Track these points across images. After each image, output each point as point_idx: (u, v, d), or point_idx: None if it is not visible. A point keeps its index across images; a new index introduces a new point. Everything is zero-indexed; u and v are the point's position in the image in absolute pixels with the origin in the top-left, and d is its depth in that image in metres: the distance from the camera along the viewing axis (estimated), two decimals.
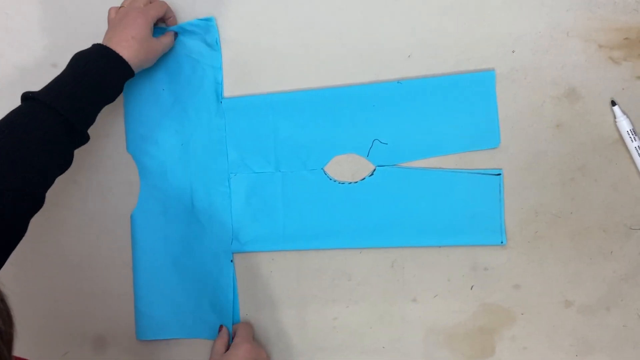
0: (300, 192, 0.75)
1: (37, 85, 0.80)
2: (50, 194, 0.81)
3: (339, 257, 0.75)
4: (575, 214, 0.70)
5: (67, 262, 0.82)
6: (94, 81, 0.66)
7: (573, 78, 0.69)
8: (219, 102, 0.76)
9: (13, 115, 0.64)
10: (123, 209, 0.80)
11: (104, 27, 0.79)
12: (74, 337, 0.81)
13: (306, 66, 0.74)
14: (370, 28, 0.73)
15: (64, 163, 0.67)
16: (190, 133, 0.77)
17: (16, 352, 0.46)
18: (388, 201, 0.73)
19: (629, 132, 0.67)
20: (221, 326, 0.76)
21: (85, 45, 0.80)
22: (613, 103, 0.68)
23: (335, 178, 0.74)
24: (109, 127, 0.80)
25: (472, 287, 0.72)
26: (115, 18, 0.72)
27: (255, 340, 0.75)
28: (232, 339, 0.75)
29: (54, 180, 0.66)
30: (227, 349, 0.73)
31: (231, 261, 0.77)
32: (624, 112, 0.67)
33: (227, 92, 0.76)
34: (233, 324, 0.77)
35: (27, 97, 0.65)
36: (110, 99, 0.70)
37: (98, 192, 0.81)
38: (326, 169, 0.75)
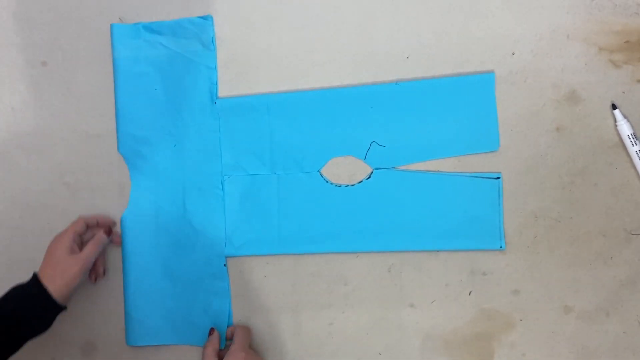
0: (296, 195, 0.74)
1: (26, 84, 0.79)
2: (38, 195, 0.79)
3: (335, 262, 0.73)
4: (575, 218, 0.69)
5: None
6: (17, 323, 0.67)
7: (573, 81, 0.68)
8: (213, 102, 0.75)
9: None
10: (113, 211, 0.78)
11: (93, 24, 0.77)
12: (62, 343, 0.79)
13: (303, 66, 0.73)
14: (368, 28, 0.72)
15: None
16: (183, 134, 0.76)
17: None
18: (385, 204, 0.72)
19: (630, 136, 0.66)
20: (212, 329, 0.74)
21: (74, 41, 0.78)
22: (614, 107, 0.67)
23: (332, 181, 0.73)
24: (100, 126, 0.78)
25: (470, 292, 0.71)
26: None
27: (252, 348, 0.73)
28: (226, 341, 0.73)
29: None
30: (218, 354, 0.71)
31: (224, 265, 0.75)
32: (624, 116, 0.67)
33: (222, 92, 0.75)
34: (228, 326, 0.75)
35: None
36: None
37: (87, 194, 0.79)
38: (323, 171, 0.73)
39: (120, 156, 0.77)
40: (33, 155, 0.80)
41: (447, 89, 0.70)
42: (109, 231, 0.75)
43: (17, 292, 0.69)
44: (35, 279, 0.69)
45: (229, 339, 0.73)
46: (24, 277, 0.79)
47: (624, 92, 0.67)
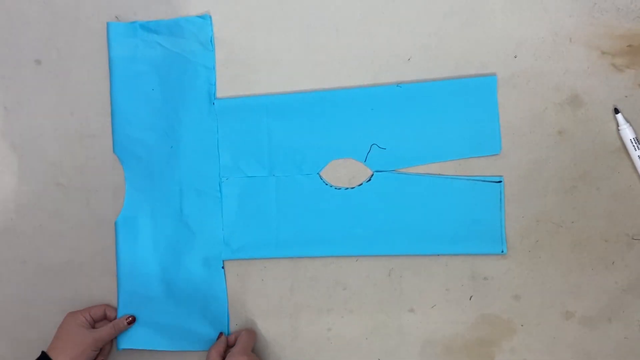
0: (295, 198, 0.73)
1: (20, 83, 0.77)
2: (30, 196, 0.78)
3: (333, 265, 0.72)
4: (576, 223, 0.68)
5: (47, 268, 0.78)
6: None
7: (575, 84, 0.68)
8: (211, 103, 0.74)
9: None
10: (108, 213, 0.77)
11: (89, 23, 0.76)
12: None
13: (303, 67, 0.72)
14: (369, 29, 0.71)
15: None
16: (180, 135, 0.75)
17: None
18: (385, 208, 0.71)
19: (632, 140, 0.66)
20: (221, 334, 0.73)
21: (69, 39, 0.77)
22: (616, 111, 0.67)
23: (332, 183, 0.72)
24: (95, 127, 0.77)
25: (471, 297, 0.70)
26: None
27: (254, 352, 0.72)
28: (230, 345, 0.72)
29: None
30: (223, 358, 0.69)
31: (222, 268, 0.74)
32: (627, 120, 0.66)
33: (220, 92, 0.74)
34: (234, 332, 0.74)
35: None
36: None
37: (82, 195, 0.77)
38: (322, 173, 0.72)
39: (116, 157, 0.76)
40: (26, 155, 0.78)
41: (449, 91, 0.70)
42: (131, 320, 0.74)
43: None
44: (44, 356, 0.68)
45: (231, 345, 0.72)
46: (15, 278, 0.78)
47: (626, 96, 0.67)
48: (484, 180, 0.69)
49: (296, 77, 0.72)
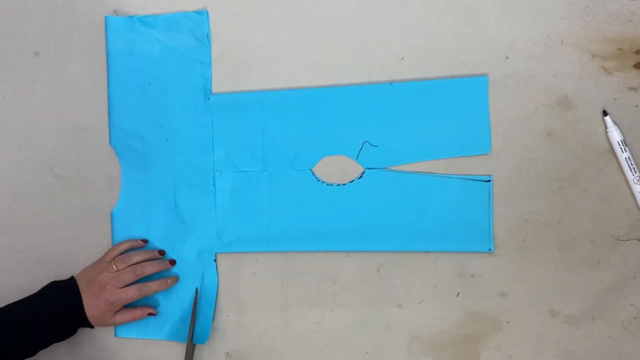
0: (287, 193, 0.74)
1: (18, 74, 0.78)
2: (27, 186, 0.79)
3: (324, 260, 0.74)
4: (563, 223, 0.69)
5: (42, 259, 0.79)
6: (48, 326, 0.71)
7: (565, 86, 0.69)
8: (206, 98, 0.75)
9: None
10: (103, 204, 0.78)
11: (88, 16, 0.77)
12: None
13: (297, 64, 0.73)
14: (364, 28, 0.72)
15: None
16: (175, 129, 0.76)
17: None
18: (376, 204, 0.72)
19: (620, 142, 0.67)
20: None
21: (68, 32, 0.78)
22: (605, 113, 0.68)
23: (324, 179, 0.73)
24: (92, 119, 0.77)
25: (458, 294, 0.71)
26: (108, 271, 0.73)
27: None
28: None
29: None
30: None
31: (214, 261, 0.75)
32: (615, 123, 0.67)
33: (216, 88, 0.75)
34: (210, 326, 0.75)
35: None
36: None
37: (78, 187, 0.78)
38: (314, 169, 0.73)
39: (112, 149, 0.77)
40: (23, 146, 0.79)
41: (441, 91, 0.70)
42: (151, 313, 0.75)
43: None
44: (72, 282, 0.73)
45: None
46: (10, 267, 0.79)
47: (615, 99, 0.68)
48: (474, 179, 0.70)
49: (291, 74, 0.73)
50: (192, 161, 0.75)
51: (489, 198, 0.70)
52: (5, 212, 0.80)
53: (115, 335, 0.78)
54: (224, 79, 0.75)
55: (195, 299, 0.74)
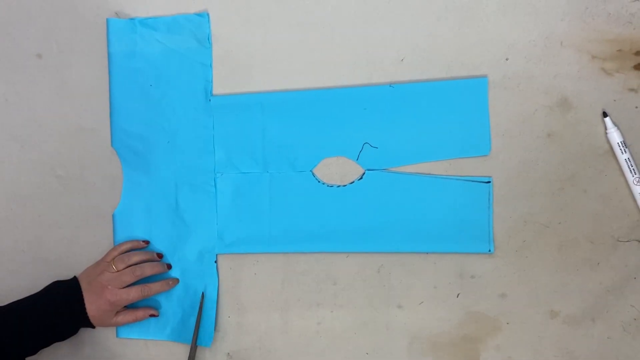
0: (288, 194, 0.74)
1: (21, 76, 0.79)
2: (30, 187, 0.79)
3: (324, 261, 0.74)
4: (563, 224, 0.69)
5: (44, 259, 0.80)
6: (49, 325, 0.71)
7: (565, 88, 0.69)
8: (207, 99, 0.75)
9: None
10: (105, 205, 0.78)
11: (89, 18, 0.77)
12: None
13: (298, 66, 0.73)
14: (364, 30, 0.72)
15: None
16: (177, 130, 0.76)
17: None
18: (376, 206, 0.72)
19: (620, 144, 0.67)
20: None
21: (69, 34, 0.78)
22: (604, 114, 0.68)
23: (324, 180, 0.73)
24: (93, 120, 0.78)
25: (458, 295, 0.72)
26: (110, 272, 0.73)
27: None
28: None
29: None
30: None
31: (215, 262, 0.75)
32: (615, 124, 0.67)
33: (217, 89, 0.75)
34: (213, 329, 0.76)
35: None
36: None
37: (79, 188, 0.79)
38: (315, 171, 0.74)
39: (113, 151, 0.78)
40: (26, 147, 0.80)
41: (441, 92, 0.71)
42: (153, 314, 0.75)
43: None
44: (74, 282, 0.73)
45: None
46: (12, 267, 0.80)
47: (615, 100, 0.68)
48: (473, 181, 0.71)
49: (291, 75, 0.74)
50: (193, 162, 0.76)
51: (489, 199, 0.70)
52: (8, 212, 0.80)
53: (117, 335, 0.78)
54: (225, 81, 0.75)
55: (201, 303, 0.75)
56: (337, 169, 0.73)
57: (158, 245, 0.77)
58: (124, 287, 0.72)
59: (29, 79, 0.79)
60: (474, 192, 0.71)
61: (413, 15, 0.71)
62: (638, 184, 0.67)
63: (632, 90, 0.67)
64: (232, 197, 0.75)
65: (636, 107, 0.68)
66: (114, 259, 0.74)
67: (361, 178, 0.73)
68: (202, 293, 0.75)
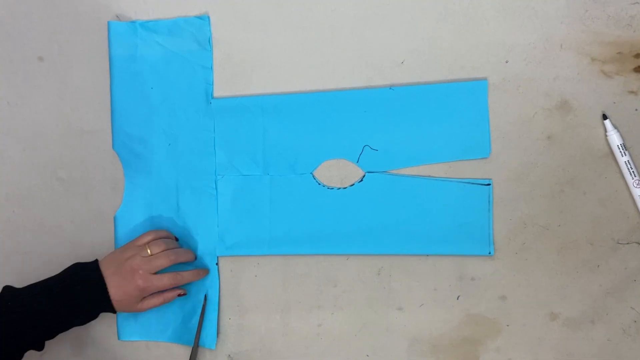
0: (288, 196, 0.74)
1: (22, 79, 0.79)
2: (30, 190, 0.80)
3: (325, 263, 0.74)
4: (563, 226, 0.70)
5: (46, 261, 0.80)
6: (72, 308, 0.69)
7: (565, 90, 0.69)
8: (208, 102, 0.75)
9: None
10: (106, 207, 0.79)
11: (90, 21, 0.77)
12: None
13: (298, 69, 0.74)
14: (364, 32, 0.72)
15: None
16: (177, 133, 0.76)
17: None
18: (376, 208, 0.72)
19: (619, 146, 0.67)
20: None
21: (71, 37, 0.78)
22: (604, 117, 0.68)
23: (324, 183, 0.74)
24: (95, 123, 0.78)
25: (458, 297, 0.72)
26: (140, 256, 0.70)
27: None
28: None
29: None
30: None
31: (216, 264, 0.76)
32: (614, 126, 0.67)
33: (217, 92, 0.75)
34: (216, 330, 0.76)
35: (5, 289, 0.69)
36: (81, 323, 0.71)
37: (81, 190, 0.79)
38: (315, 173, 0.74)
39: (115, 153, 0.78)
40: (27, 149, 0.80)
41: (441, 95, 0.71)
42: (182, 294, 0.74)
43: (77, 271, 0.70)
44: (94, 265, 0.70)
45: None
46: (15, 270, 0.80)
47: (614, 103, 0.68)
48: (473, 183, 0.71)
49: (292, 78, 0.74)
50: (194, 165, 0.76)
51: (489, 201, 0.70)
52: (10, 215, 0.81)
53: (119, 338, 0.78)
54: (226, 84, 0.75)
55: (204, 305, 0.75)
56: (337, 172, 0.73)
57: None
58: (156, 273, 0.70)
59: (31, 82, 0.79)
60: (474, 194, 0.71)
61: (413, 18, 0.71)
62: (638, 186, 0.67)
63: (632, 92, 0.68)
64: (232, 199, 0.75)
65: (636, 110, 0.68)
66: (148, 242, 0.72)
67: (361, 180, 0.73)
68: (205, 295, 0.75)
